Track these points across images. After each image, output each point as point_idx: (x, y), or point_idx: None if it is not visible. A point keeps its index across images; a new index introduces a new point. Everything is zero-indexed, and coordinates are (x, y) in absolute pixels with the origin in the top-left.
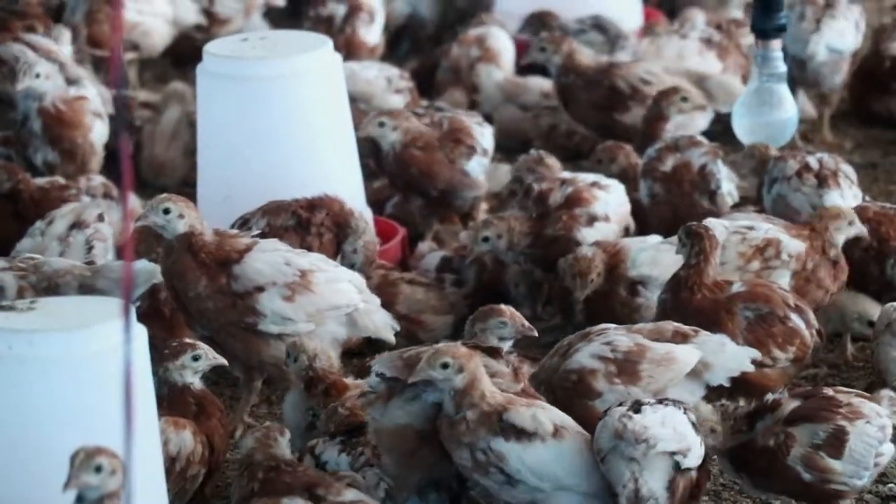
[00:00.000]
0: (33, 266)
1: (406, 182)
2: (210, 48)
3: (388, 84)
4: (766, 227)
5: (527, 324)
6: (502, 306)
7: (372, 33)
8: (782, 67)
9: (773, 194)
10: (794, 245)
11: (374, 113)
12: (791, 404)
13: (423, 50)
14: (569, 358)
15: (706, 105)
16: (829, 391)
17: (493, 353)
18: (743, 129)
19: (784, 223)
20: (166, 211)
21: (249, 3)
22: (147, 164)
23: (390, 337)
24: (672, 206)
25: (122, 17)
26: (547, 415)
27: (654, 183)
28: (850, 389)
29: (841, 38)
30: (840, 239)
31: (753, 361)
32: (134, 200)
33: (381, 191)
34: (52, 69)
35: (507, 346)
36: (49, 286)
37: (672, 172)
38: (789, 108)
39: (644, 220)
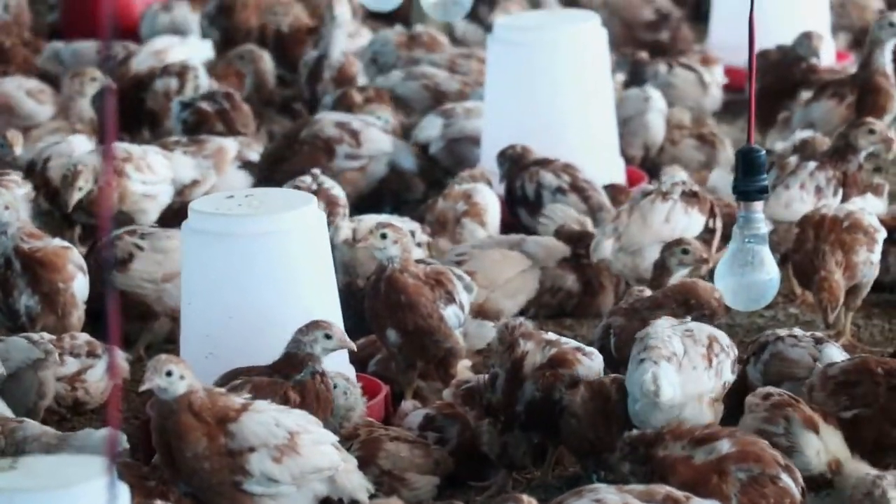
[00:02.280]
0: (10, 430)
1: (388, 307)
2: (195, 205)
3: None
4: (696, 325)
5: None
6: (524, 497)
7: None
8: (764, 229)
9: (765, 355)
10: (718, 331)
11: (376, 224)
12: None
13: (406, 205)
14: None
15: (708, 258)
16: None
17: None
18: (725, 291)
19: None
20: (169, 373)
21: (219, 159)
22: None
23: (364, 499)
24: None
25: (111, 192)
26: None
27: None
28: None
29: (786, 209)
30: None
31: None
32: (119, 357)
33: (364, 347)
34: (13, 200)
35: None
36: (16, 451)
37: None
38: (771, 270)
39: None
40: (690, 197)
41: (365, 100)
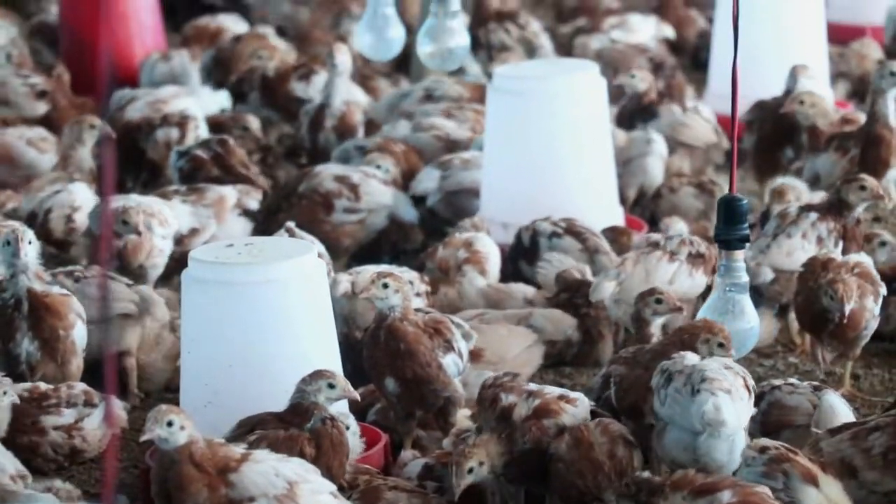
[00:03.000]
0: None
1: (387, 355)
2: (195, 254)
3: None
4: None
5: None
6: None
7: None
8: (745, 277)
9: (762, 405)
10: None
11: (374, 274)
12: None
13: (405, 254)
14: None
15: (682, 307)
16: None
17: None
18: None
19: None
20: (170, 423)
21: (219, 208)
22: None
23: None
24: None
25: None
26: None
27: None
28: None
29: (788, 257)
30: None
31: None
32: (117, 405)
33: (364, 396)
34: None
35: None
36: None
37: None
38: (751, 319)
39: None
40: (696, 258)
41: (403, 153)
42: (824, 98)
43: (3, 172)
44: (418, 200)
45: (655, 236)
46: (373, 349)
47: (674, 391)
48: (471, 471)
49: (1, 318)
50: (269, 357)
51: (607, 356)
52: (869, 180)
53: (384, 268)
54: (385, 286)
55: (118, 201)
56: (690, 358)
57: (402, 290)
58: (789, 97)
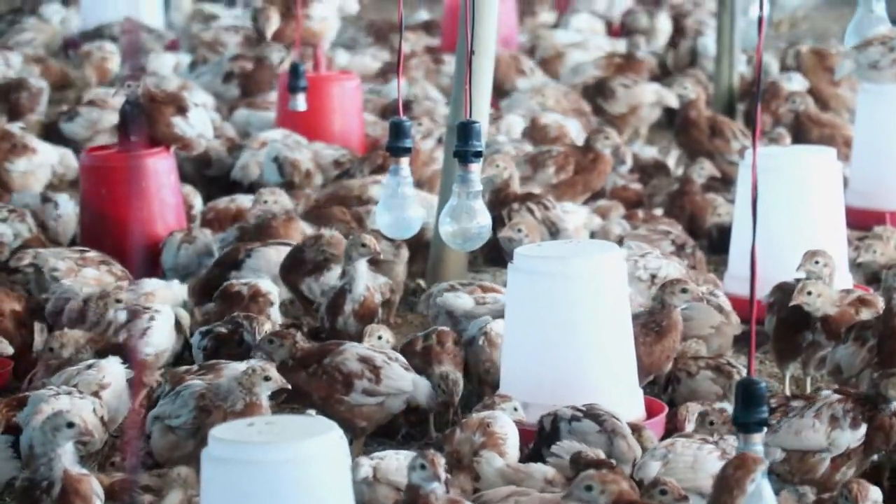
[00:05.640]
0: None
1: None
2: (216, 432)
3: None
4: None
5: None
6: None
7: None
8: (765, 462)
9: None
10: None
11: (415, 454)
12: None
13: (420, 431)
14: None
15: (687, 497)
16: None
17: None
18: None
19: None
20: None
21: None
22: None
23: None
24: None
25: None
26: None
27: None
28: None
29: (797, 436)
30: None
31: None
32: None
33: None
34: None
35: None
36: None
37: None
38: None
39: None
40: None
41: (453, 341)
42: (828, 286)
43: None
44: None
45: (711, 440)
46: None
47: None
48: None
49: (28, 499)
50: None
51: None
52: None
53: (408, 454)
54: (423, 467)
55: None
56: None
57: (439, 471)
58: (796, 289)
